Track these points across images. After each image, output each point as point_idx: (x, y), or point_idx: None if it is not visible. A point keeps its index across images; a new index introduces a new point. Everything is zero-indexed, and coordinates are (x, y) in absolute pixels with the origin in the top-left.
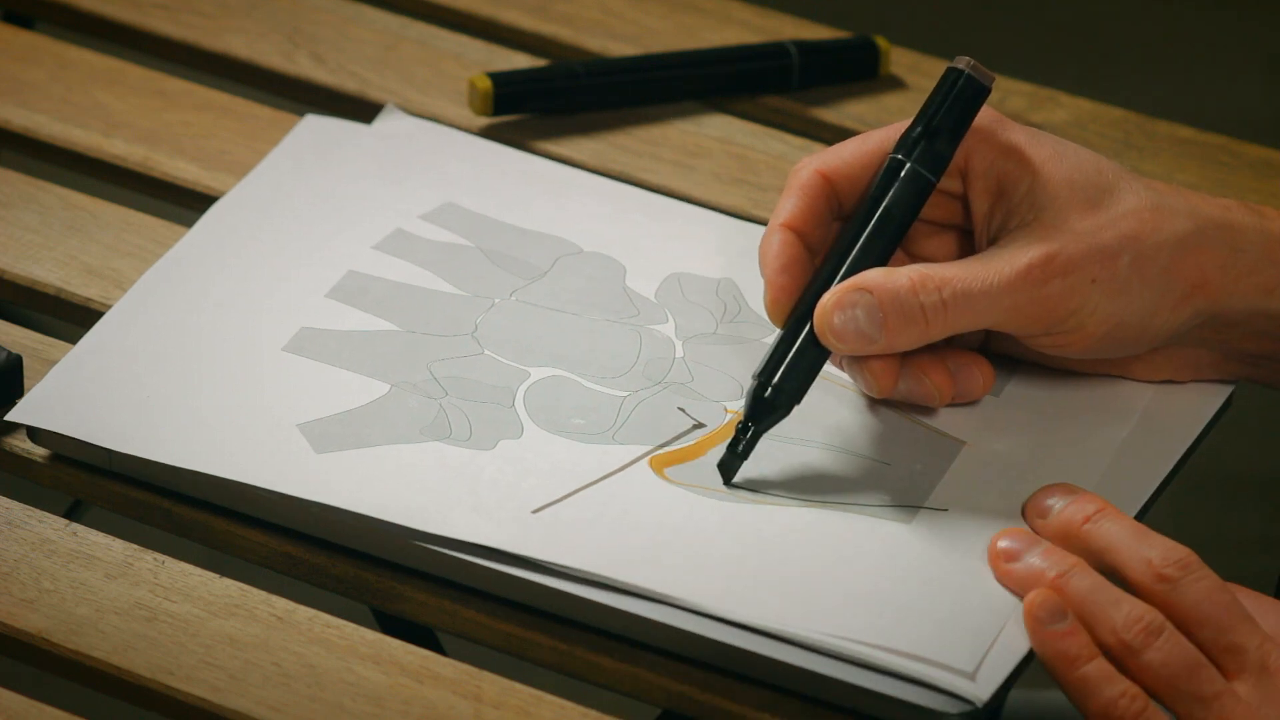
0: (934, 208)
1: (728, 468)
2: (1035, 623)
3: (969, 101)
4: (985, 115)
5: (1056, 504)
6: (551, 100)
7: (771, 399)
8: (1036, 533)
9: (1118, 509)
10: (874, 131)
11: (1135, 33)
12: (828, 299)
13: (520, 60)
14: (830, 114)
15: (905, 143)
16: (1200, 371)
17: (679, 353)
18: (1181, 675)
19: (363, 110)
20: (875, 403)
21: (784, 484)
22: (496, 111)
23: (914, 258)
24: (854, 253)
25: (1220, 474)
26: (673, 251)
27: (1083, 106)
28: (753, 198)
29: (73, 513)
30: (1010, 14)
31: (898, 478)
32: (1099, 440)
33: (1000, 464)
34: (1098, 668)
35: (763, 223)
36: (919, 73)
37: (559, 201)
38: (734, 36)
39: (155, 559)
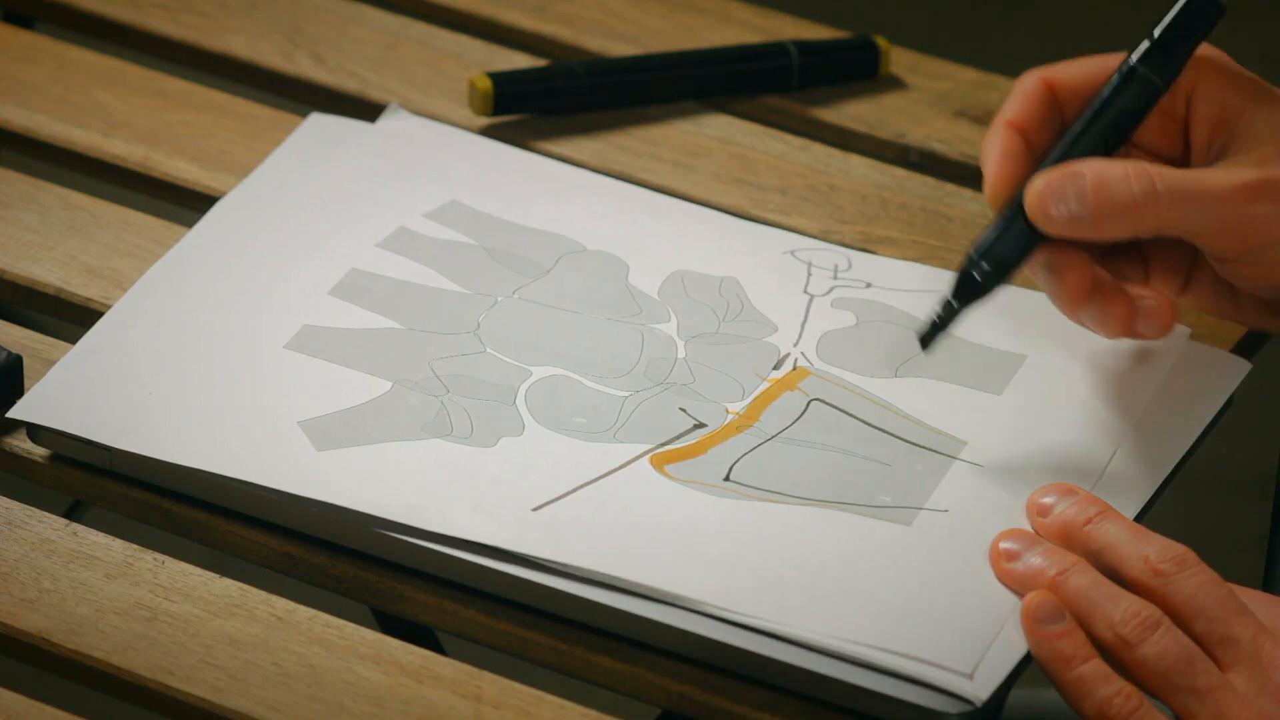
0: (1155, 132)
1: (927, 338)
2: (1032, 624)
3: (1204, 17)
4: (1215, 50)
5: (1057, 505)
6: (551, 100)
7: (982, 277)
8: (1037, 532)
9: (1118, 511)
10: (1104, 55)
11: (1135, 33)
12: (1040, 178)
13: (520, 60)
14: (830, 114)
15: (1138, 51)
16: None
17: (681, 352)
18: (1177, 669)
19: (363, 110)
20: (875, 402)
21: (785, 483)
22: (496, 111)
23: None
24: (1075, 147)
25: (1220, 474)
26: (676, 249)
27: None
28: (753, 198)
29: (73, 513)
30: (1010, 14)
31: (898, 478)
32: (1100, 440)
33: (1001, 464)
34: (1093, 668)
35: (763, 222)
36: (919, 73)
37: (562, 200)
38: (734, 36)
39: (155, 559)
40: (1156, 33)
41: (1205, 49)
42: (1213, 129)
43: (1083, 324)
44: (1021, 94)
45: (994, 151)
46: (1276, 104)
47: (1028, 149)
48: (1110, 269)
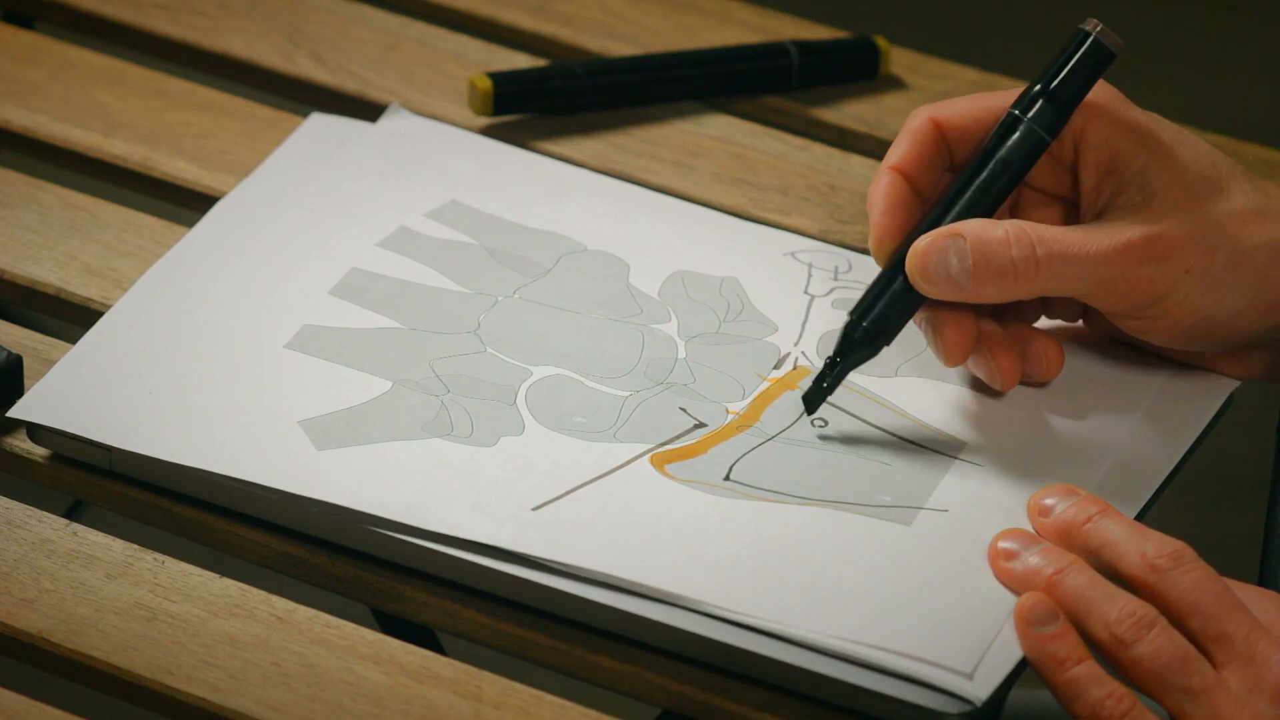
0: (1044, 175)
1: (812, 401)
2: (1025, 625)
3: (1093, 64)
4: (1108, 91)
5: (1058, 505)
6: (551, 100)
7: (863, 338)
8: (1037, 532)
9: (1118, 511)
10: (996, 91)
11: (1136, 34)
12: (922, 241)
13: (520, 60)
14: (830, 114)
15: (1024, 99)
16: (1274, 374)
17: (681, 352)
18: (1171, 668)
19: (363, 110)
20: (876, 402)
21: (785, 483)
22: (496, 111)
23: None
24: (959, 202)
25: (1220, 474)
26: (676, 250)
27: None
28: (753, 198)
29: (73, 513)
30: (1010, 14)
31: (898, 478)
32: (1100, 441)
33: (1001, 465)
34: (1086, 669)
35: (763, 222)
36: (919, 73)
37: (563, 200)
38: (734, 36)
39: (155, 559)
40: (1046, 84)
41: (1095, 89)
42: (1101, 176)
43: (972, 372)
44: (909, 137)
45: (879, 201)
46: (1165, 149)
47: (915, 195)
48: (1009, 307)
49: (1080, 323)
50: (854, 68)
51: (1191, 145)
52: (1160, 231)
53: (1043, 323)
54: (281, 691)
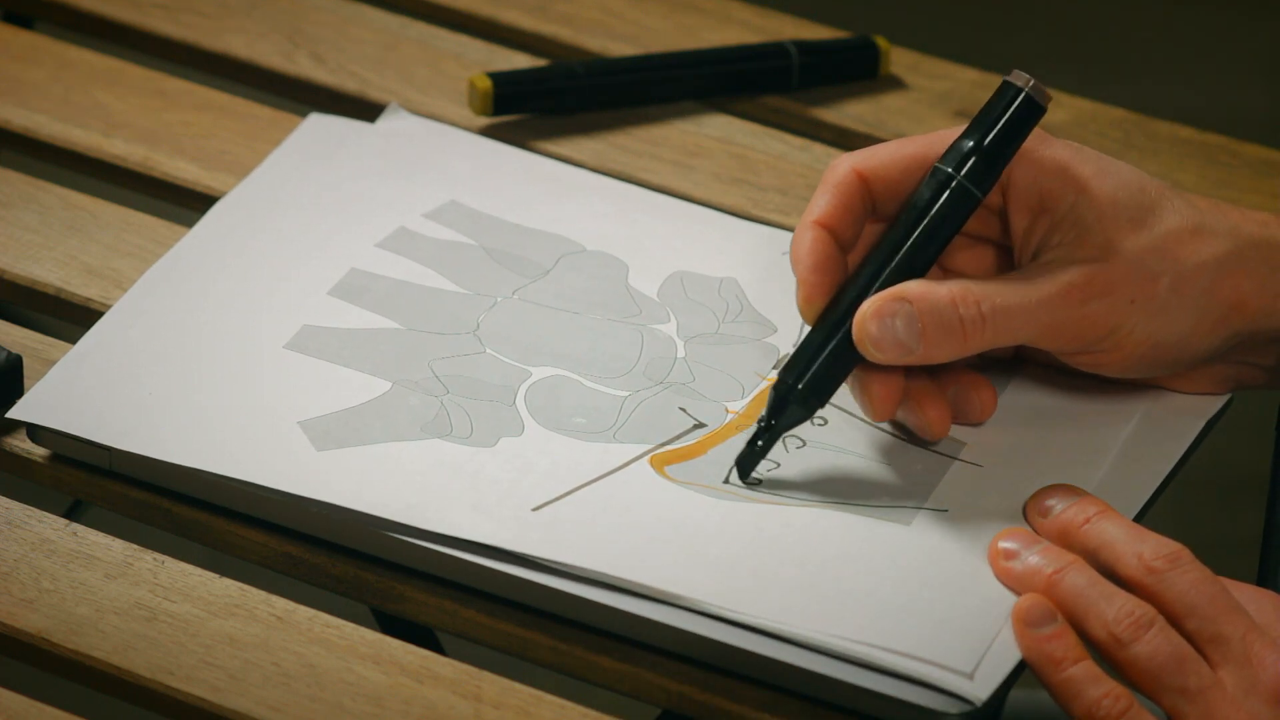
0: (973, 220)
1: (745, 464)
2: (1023, 626)
3: (1024, 120)
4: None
5: (1057, 505)
6: (551, 100)
7: (797, 399)
8: (1037, 532)
9: (1117, 511)
10: (914, 137)
11: (1135, 33)
12: (867, 307)
13: (520, 60)
14: (830, 114)
15: (955, 155)
16: (1237, 385)
17: (680, 352)
18: (1168, 668)
19: (363, 110)
20: None
21: (785, 483)
22: (496, 111)
23: (948, 270)
24: (894, 262)
25: (1220, 474)
26: (676, 250)
27: (1083, 106)
28: (753, 198)
29: (73, 513)
30: (1010, 14)
31: (898, 478)
32: (1099, 441)
33: (1000, 465)
34: (1083, 669)
35: (763, 222)
36: (919, 73)
37: (562, 200)
38: (734, 36)
39: (155, 559)
40: (977, 140)
41: None
42: (1032, 217)
43: (902, 422)
44: (833, 189)
45: (806, 259)
46: (1096, 184)
47: (839, 251)
48: None
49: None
50: (854, 68)
51: (1117, 173)
52: (1100, 268)
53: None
54: (281, 691)
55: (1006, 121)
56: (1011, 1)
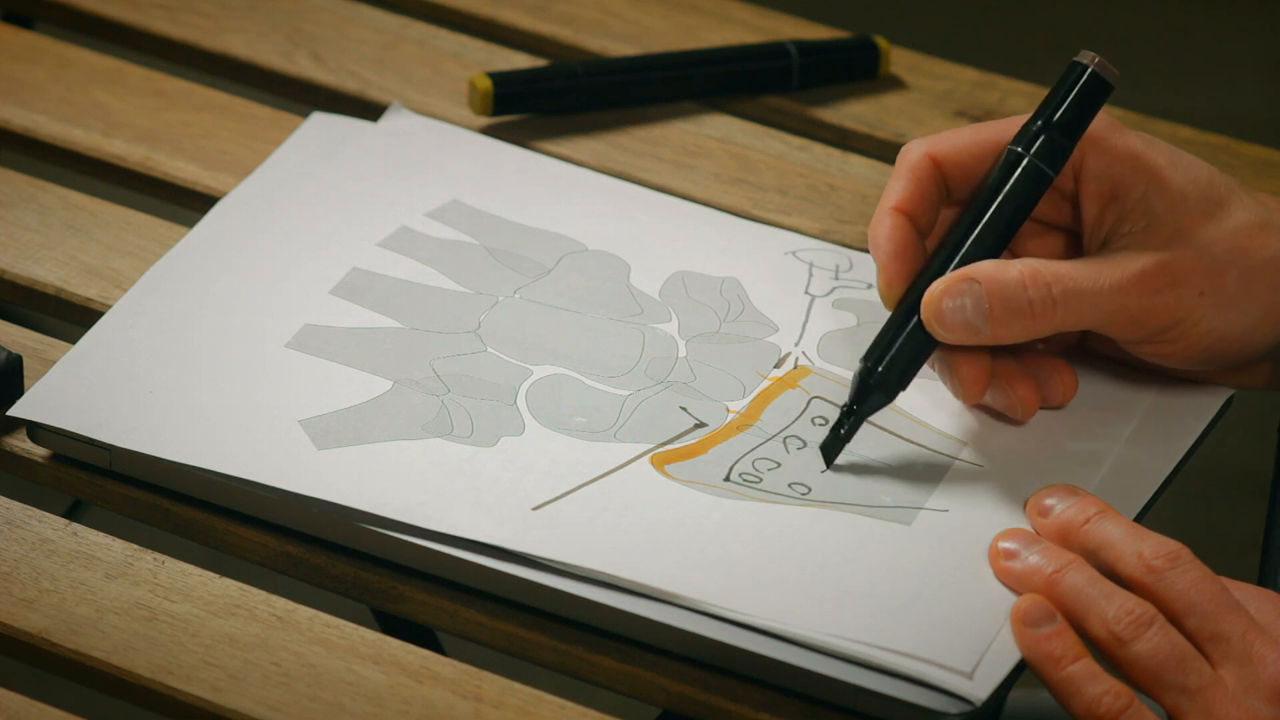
0: (1044, 206)
1: (830, 450)
2: (1022, 626)
3: (1092, 97)
4: (1104, 118)
5: (1057, 505)
6: (551, 100)
7: (877, 383)
8: (1037, 532)
9: (1118, 511)
10: (988, 122)
11: (1136, 33)
12: (936, 287)
13: (520, 60)
14: (830, 114)
15: (1025, 135)
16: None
17: (682, 352)
18: (1168, 667)
19: (362, 110)
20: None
21: (785, 483)
22: (496, 111)
23: (1018, 257)
24: (967, 244)
25: (1220, 474)
26: (677, 250)
27: None
28: (753, 198)
29: (73, 513)
30: (1010, 14)
31: (899, 478)
32: (1100, 441)
33: (1001, 465)
34: (1082, 667)
35: (764, 222)
36: (919, 73)
37: (564, 199)
38: (734, 36)
39: (155, 559)
40: (1046, 117)
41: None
42: (1103, 205)
43: (990, 406)
44: (908, 174)
45: (885, 245)
46: (1164, 175)
47: (917, 236)
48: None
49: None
50: (854, 68)
51: (1188, 166)
52: (1170, 258)
53: None
54: (281, 691)
55: (1074, 99)
56: (1011, 1)
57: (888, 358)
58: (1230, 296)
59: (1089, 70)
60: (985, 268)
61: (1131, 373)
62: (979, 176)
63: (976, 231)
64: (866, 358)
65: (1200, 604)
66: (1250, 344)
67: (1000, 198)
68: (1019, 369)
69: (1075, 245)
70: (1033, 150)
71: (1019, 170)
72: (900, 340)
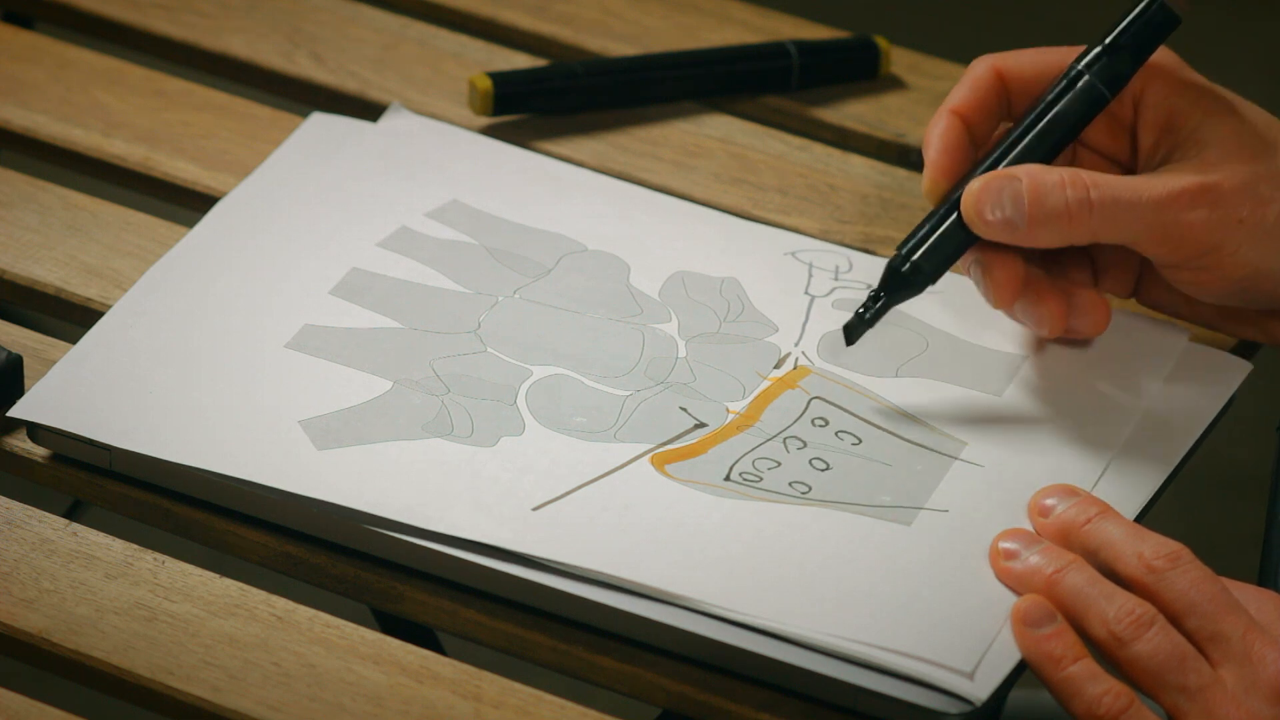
0: (1102, 136)
1: (853, 331)
2: (1022, 626)
3: (1158, 27)
4: (1167, 54)
5: (1058, 505)
6: (551, 100)
7: (909, 274)
8: (1038, 532)
9: (1118, 511)
10: (1058, 47)
11: None
12: (977, 182)
13: (520, 60)
14: (830, 114)
15: (1088, 55)
16: None
17: (681, 352)
18: (1169, 667)
19: (362, 110)
20: (877, 401)
21: (785, 483)
22: (496, 111)
23: None
24: (1015, 149)
25: (1220, 474)
26: (677, 250)
27: None
28: (753, 198)
29: (73, 513)
30: (1011, 14)
31: (899, 478)
32: (1101, 441)
33: (1002, 465)
34: (1082, 667)
35: (763, 222)
36: (919, 73)
37: (564, 199)
38: (734, 36)
39: (155, 559)
40: (1109, 40)
41: (1156, 51)
42: (1159, 134)
43: (1017, 319)
44: (971, 81)
45: (936, 141)
46: (1224, 111)
47: (971, 139)
48: (1058, 271)
49: (1133, 300)
50: (854, 68)
51: (1247, 107)
52: (1215, 180)
53: None
54: (281, 691)
55: (1140, 27)
56: (1011, 1)
57: (923, 248)
58: (1270, 229)
59: (1158, 2)
60: (1028, 167)
61: (1131, 375)
62: (1040, 94)
63: (1026, 140)
64: (901, 246)
65: (1200, 604)
66: None
67: (1054, 112)
68: (1051, 286)
69: None
70: (1093, 70)
71: (1076, 87)
72: (938, 234)
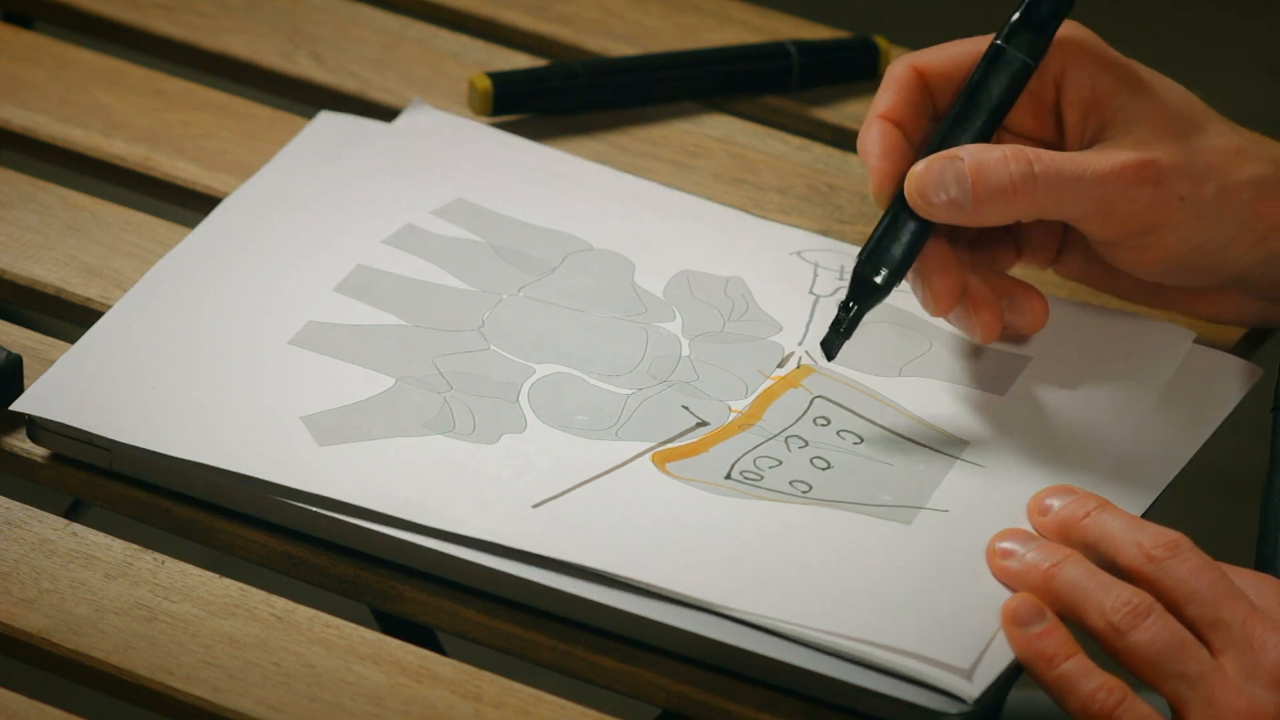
0: (1027, 118)
1: (830, 346)
2: (1013, 625)
3: None
4: (1086, 32)
5: (1056, 503)
6: (551, 100)
7: (873, 277)
8: (1038, 532)
9: (1116, 505)
10: (970, 38)
11: (1136, 33)
12: (919, 164)
13: (520, 60)
14: (830, 114)
15: (1004, 30)
16: (1263, 320)
17: (685, 351)
18: (1167, 654)
19: (362, 110)
20: (879, 400)
21: (786, 482)
22: (496, 111)
23: None
24: (950, 130)
25: (1220, 473)
26: (682, 249)
27: None
28: (753, 198)
29: (73, 513)
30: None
31: (900, 477)
32: (1102, 443)
33: (1002, 466)
34: (1075, 664)
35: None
36: None
37: (570, 198)
38: (734, 36)
39: (155, 559)
40: (1022, 9)
41: (1072, 29)
42: (1085, 111)
43: (953, 325)
44: (893, 85)
45: (874, 148)
46: (1145, 85)
47: (906, 140)
48: (984, 249)
49: (1051, 270)
50: (854, 68)
51: (1169, 86)
52: (1154, 157)
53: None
54: (281, 691)
55: None
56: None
57: (881, 251)
58: (1208, 206)
59: None
60: (969, 147)
61: (1133, 376)
62: (963, 84)
63: (960, 122)
64: (861, 254)
65: (1200, 591)
66: (1225, 260)
67: (982, 90)
68: (987, 295)
69: None
70: (1011, 42)
71: (999, 62)
72: (895, 233)
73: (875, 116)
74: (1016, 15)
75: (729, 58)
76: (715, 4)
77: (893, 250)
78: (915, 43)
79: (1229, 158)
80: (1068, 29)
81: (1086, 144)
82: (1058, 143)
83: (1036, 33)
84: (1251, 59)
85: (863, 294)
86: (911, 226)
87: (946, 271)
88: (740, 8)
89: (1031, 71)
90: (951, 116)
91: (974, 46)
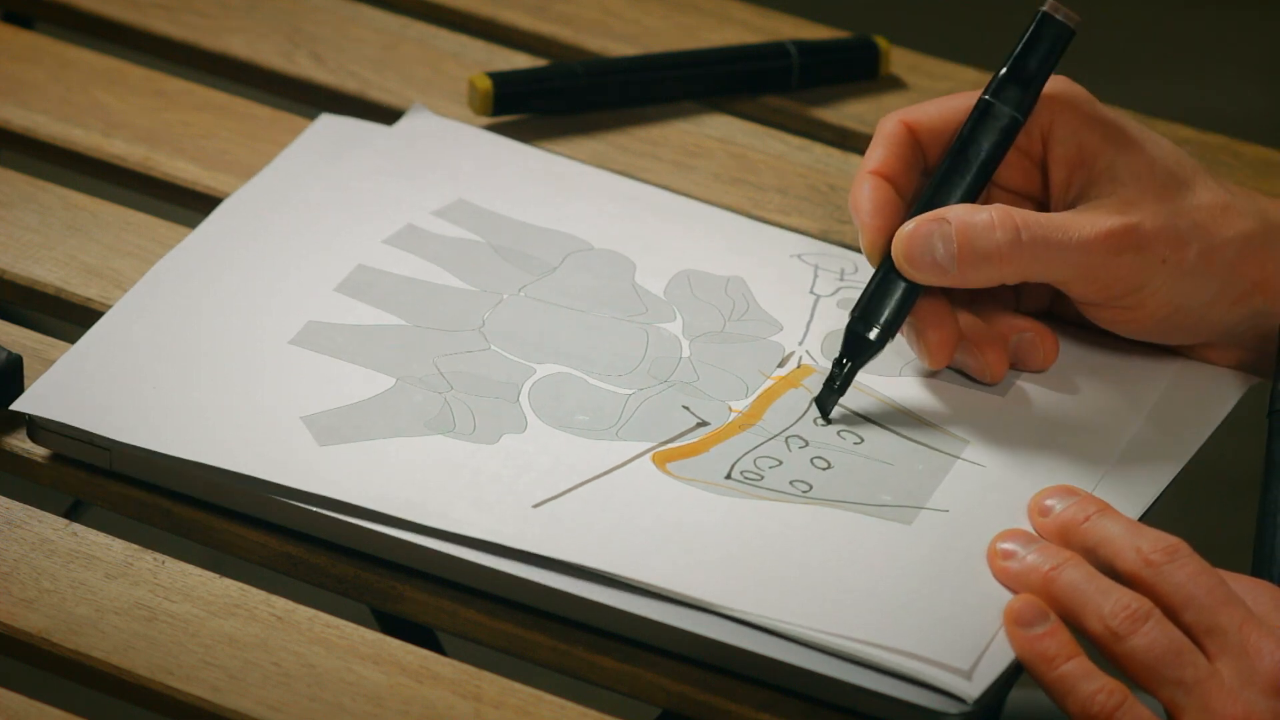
0: (1014, 174)
1: (824, 404)
2: (1015, 626)
3: (1054, 41)
4: (1075, 88)
5: (1057, 505)
6: (551, 100)
7: (867, 335)
8: (1038, 532)
9: (1117, 510)
10: (960, 93)
11: (1135, 33)
12: (906, 227)
13: (520, 60)
14: (830, 114)
15: (992, 85)
16: (1253, 369)
17: (685, 351)
18: (1165, 660)
19: (362, 110)
20: (879, 400)
21: (786, 482)
22: (496, 111)
23: None
24: (940, 187)
25: (1220, 474)
26: (683, 249)
27: None
28: (753, 198)
29: (73, 513)
30: (1010, 14)
31: (900, 478)
32: (1103, 445)
33: (1003, 466)
34: (1076, 666)
35: (764, 222)
36: (919, 73)
37: (570, 198)
38: (734, 36)
39: (155, 559)
40: (1009, 64)
41: (1061, 85)
42: (1070, 169)
43: (960, 369)
44: (884, 141)
45: (866, 204)
46: (1136, 147)
47: (897, 196)
48: (985, 292)
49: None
50: (854, 68)
51: (1156, 143)
52: (1137, 221)
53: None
54: (281, 691)
55: (1036, 45)
56: (1011, 1)
57: (873, 309)
58: (1190, 268)
59: (1048, 16)
60: (956, 209)
61: (1135, 377)
62: (953, 140)
63: (950, 178)
64: (853, 310)
65: (1198, 596)
66: (1206, 319)
67: (972, 145)
68: (989, 334)
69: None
70: (999, 97)
71: (988, 117)
72: (884, 291)
73: (867, 172)
74: (1004, 70)
75: (729, 58)
76: (715, 4)
77: (885, 307)
78: (915, 43)
79: (1215, 215)
80: (1056, 84)
81: (1071, 201)
82: (1043, 198)
83: (1024, 87)
84: (1251, 59)
85: (856, 351)
86: (903, 283)
87: (941, 325)
88: (740, 8)
89: (1020, 126)
90: (941, 172)
91: (964, 101)
